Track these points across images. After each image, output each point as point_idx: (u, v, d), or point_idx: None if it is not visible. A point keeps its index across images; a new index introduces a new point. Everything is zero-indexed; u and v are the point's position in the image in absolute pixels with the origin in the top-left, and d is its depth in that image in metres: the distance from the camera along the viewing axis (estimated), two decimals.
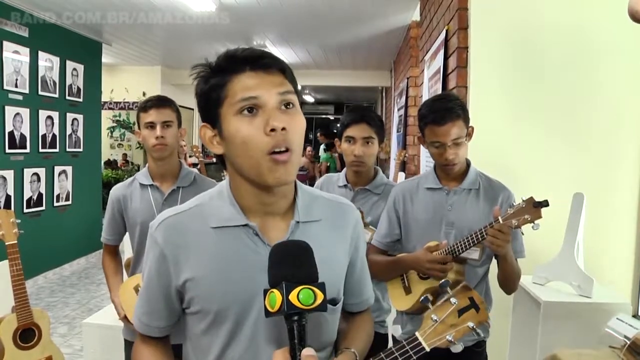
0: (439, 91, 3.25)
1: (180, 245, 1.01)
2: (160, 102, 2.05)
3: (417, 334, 1.05)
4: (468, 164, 1.86)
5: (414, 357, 1.04)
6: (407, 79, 5.69)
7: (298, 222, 1.02)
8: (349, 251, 1.10)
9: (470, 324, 1.06)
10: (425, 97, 3.95)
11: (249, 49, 0.98)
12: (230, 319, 0.99)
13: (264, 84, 0.94)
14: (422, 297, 1.13)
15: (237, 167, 0.98)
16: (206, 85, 0.98)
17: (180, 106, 2.21)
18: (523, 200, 1.61)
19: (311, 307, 0.78)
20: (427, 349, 1.04)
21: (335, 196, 1.16)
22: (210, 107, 0.98)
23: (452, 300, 1.07)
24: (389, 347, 1.07)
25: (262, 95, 0.93)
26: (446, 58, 3.15)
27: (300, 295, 0.78)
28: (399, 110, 6.41)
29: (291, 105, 0.96)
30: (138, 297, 1.10)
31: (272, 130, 0.91)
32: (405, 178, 4.94)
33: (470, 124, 1.81)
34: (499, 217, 1.62)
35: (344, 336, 1.12)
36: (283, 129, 0.91)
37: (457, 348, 1.06)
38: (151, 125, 2.01)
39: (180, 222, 1.03)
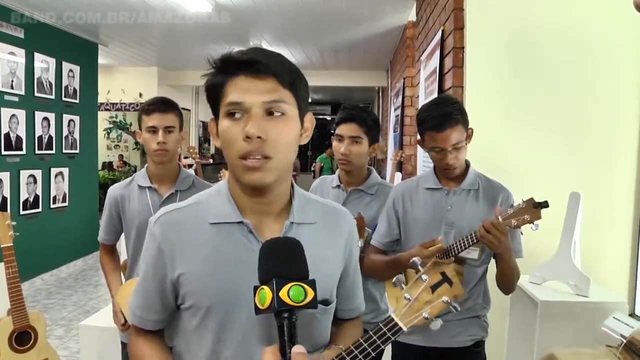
0: (435, 91, 3.25)
1: (176, 240, 1.03)
2: (164, 106, 2.03)
3: (392, 314, 1.05)
4: (467, 165, 1.86)
5: (392, 338, 1.03)
6: (404, 79, 5.70)
7: (292, 222, 1.04)
8: (343, 256, 1.11)
9: (445, 299, 1.05)
10: (422, 97, 3.96)
11: (246, 52, 0.99)
12: (222, 315, 1.00)
13: (252, 90, 0.95)
14: (395, 279, 1.11)
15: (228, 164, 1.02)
16: (209, 82, 1.02)
17: None
18: (523, 201, 1.61)
19: (302, 304, 0.78)
20: (404, 329, 1.03)
21: (330, 202, 1.18)
22: (212, 103, 1.01)
23: (423, 277, 1.07)
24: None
25: (246, 101, 0.95)
26: (442, 58, 3.15)
27: (290, 292, 0.78)
28: (395, 110, 6.41)
29: (279, 114, 0.96)
30: (134, 291, 1.11)
31: (248, 137, 0.93)
32: (402, 178, 4.95)
33: (470, 126, 1.81)
34: (499, 217, 1.62)
35: (333, 339, 1.13)
36: (259, 137, 0.93)
37: (436, 325, 1.05)
38: (153, 130, 1.99)
39: (178, 218, 1.05)
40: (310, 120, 1.06)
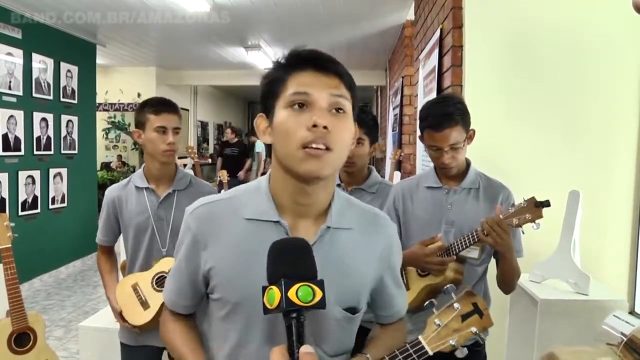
0: (434, 90, 3.25)
1: (211, 233, 1.04)
2: (172, 107, 2.04)
3: (420, 338, 1.07)
4: (468, 164, 1.86)
5: None
6: (402, 78, 5.70)
7: (329, 227, 1.03)
8: (378, 264, 1.09)
9: (474, 329, 1.07)
10: (421, 96, 3.95)
11: (313, 50, 1.02)
12: (248, 312, 1.00)
13: (319, 84, 0.97)
14: (427, 303, 1.13)
15: (278, 158, 1.01)
16: (269, 78, 1.03)
17: None
18: (524, 200, 1.61)
19: (310, 304, 0.78)
20: (430, 353, 1.06)
21: (372, 207, 1.16)
22: (269, 98, 1.02)
23: (455, 305, 1.09)
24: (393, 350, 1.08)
25: (314, 92, 0.96)
26: (441, 57, 3.15)
27: (299, 292, 0.78)
28: (394, 109, 6.41)
29: (341, 111, 0.98)
30: (169, 276, 1.15)
31: (314, 126, 0.93)
32: (401, 177, 4.95)
33: (472, 127, 1.80)
34: (500, 215, 1.62)
35: (368, 344, 1.13)
36: (325, 127, 0.93)
37: (462, 352, 1.07)
38: (163, 130, 1.98)
39: (214, 211, 1.06)
40: (357, 131, 1.07)
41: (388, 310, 1.17)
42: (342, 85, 1.00)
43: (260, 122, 1.05)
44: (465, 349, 1.07)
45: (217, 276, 1.02)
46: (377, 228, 1.11)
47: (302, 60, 1.00)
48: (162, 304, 1.19)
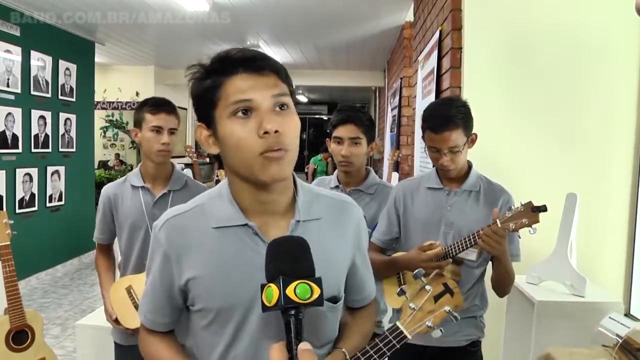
0: (433, 91, 3.26)
1: (182, 245, 1.03)
2: (170, 107, 2.03)
3: (397, 323, 1.11)
4: (470, 166, 1.87)
5: (397, 346, 1.08)
6: (401, 79, 5.71)
7: (298, 221, 1.03)
8: (351, 249, 1.11)
9: (447, 308, 1.12)
10: (419, 97, 3.96)
11: (242, 50, 0.98)
12: (232, 317, 1.01)
13: (258, 87, 0.94)
14: (399, 290, 1.19)
15: (233, 168, 0.99)
16: (200, 86, 0.99)
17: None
18: (521, 204, 1.61)
19: (308, 301, 0.79)
20: (409, 337, 1.09)
21: (337, 194, 1.17)
22: (205, 108, 0.98)
23: (427, 287, 1.13)
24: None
25: (256, 98, 0.94)
26: (440, 58, 3.16)
27: (297, 290, 0.79)
28: (392, 110, 6.42)
29: (285, 107, 0.96)
30: (143, 295, 1.13)
31: (266, 132, 0.92)
32: (399, 178, 4.95)
33: (474, 131, 1.81)
34: (497, 220, 1.63)
35: (340, 334, 1.14)
36: (276, 131, 0.92)
37: (437, 333, 1.11)
38: (158, 130, 1.98)
39: (183, 223, 1.05)
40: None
41: (359, 293, 1.17)
42: (280, 81, 0.97)
43: (201, 132, 1.01)
44: (441, 329, 1.11)
45: (196, 287, 1.02)
46: (345, 214, 1.12)
47: (234, 64, 0.96)
48: None
